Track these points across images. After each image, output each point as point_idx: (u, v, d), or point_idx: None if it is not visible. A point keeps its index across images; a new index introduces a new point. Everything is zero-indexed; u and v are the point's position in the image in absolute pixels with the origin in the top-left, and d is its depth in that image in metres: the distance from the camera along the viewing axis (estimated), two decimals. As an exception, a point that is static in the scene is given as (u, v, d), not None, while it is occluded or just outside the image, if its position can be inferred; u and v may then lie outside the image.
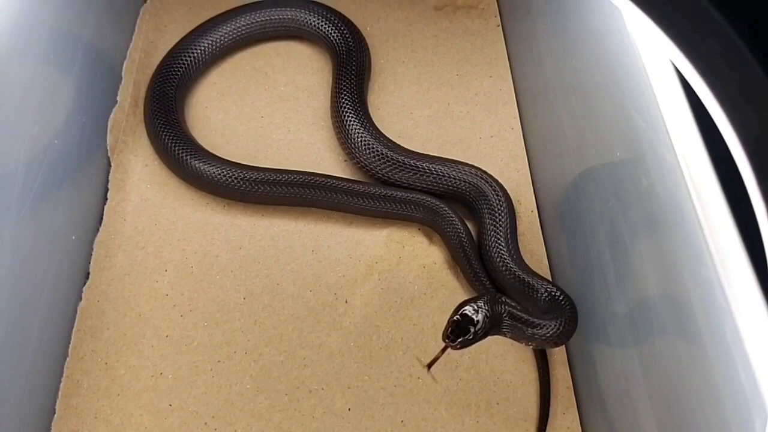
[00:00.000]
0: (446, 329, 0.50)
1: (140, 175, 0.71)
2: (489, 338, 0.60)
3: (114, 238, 0.66)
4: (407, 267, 0.67)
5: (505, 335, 0.53)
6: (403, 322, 0.64)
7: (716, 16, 0.34)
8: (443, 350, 0.50)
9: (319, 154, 0.74)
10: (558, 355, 0.62)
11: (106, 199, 0.69)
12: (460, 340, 0.49)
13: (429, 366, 0.52)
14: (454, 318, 0.50)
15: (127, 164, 0.71)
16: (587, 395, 0.58)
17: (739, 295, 0.37)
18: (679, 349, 0.43)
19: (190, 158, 0.67)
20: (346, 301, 0.65)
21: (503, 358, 0.62)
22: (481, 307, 0.50)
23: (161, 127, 0.69)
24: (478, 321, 0.50)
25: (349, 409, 0.59)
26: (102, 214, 0.67)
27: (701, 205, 0.41)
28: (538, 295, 0.58)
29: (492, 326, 0.51)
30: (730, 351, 0.36)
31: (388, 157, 0.69)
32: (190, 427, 0.57)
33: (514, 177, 0.73)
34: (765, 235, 0.34)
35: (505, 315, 0.52)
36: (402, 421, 0.58)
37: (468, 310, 0.50)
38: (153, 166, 0.72)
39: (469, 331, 0.49)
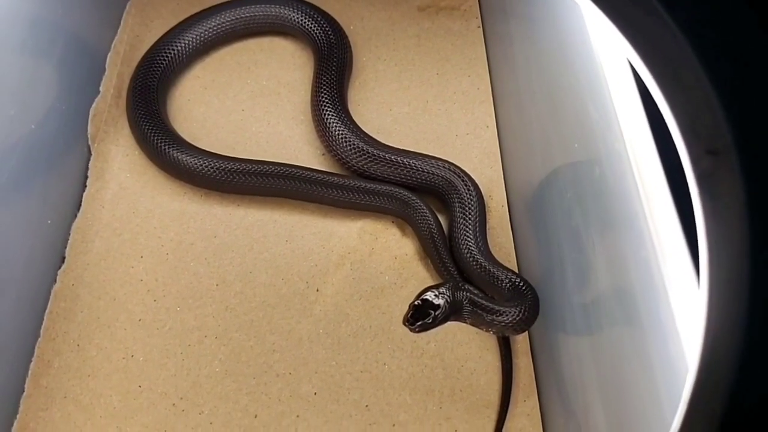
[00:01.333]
0: (407, 313, 0.51)
1: (120, 165, 0.72)
2: (450, 323, 0.61)
3: (91, 224, 0.68)
4: (379, 258, 0.69)
5: (465, 321, 0.54)
6: (373, 310, 0.65)
7: (661, 10, 0.36)
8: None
9: (297, 147, 0.76)
10: (521, 345, 0.63)
11: (85, 186, 0.70)
12: (419, 323, 0.50)
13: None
14: (416, 302, 0.51)
15: (107, 153, 0.73)
16: (547, 383, 0.59)
17: (673, 276, 0.38)
18: (622, 332, 0.44)
19: (169, 148, 0.69)
20: (317, 290, 0.66)
21: (468, 347, 0.63)
22: (442, 293, 0.52)
23: (141, 118, 0.71)
24: (438, 305, 0.51)
25: (315, 393, 0.60)
26: (80, 201, 0.69)
27: (645, 193, 0.42)
28: (502, 284, 0.60)
29: (452, 311, 0.52)
30: (663, 328, 0.37)
31: (364, 150, 0.70)
32: (158, 408, 0.59)
33: (487, 173, 0.75)
34: (698, 217, 0.35)
35: (466, 301, 0.53)
36: (366, 406, 0.60)
37: (429, 295, 0.52)
38: (133, 156, 0.73)
39: (429, 315, 0.51)
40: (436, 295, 0.52)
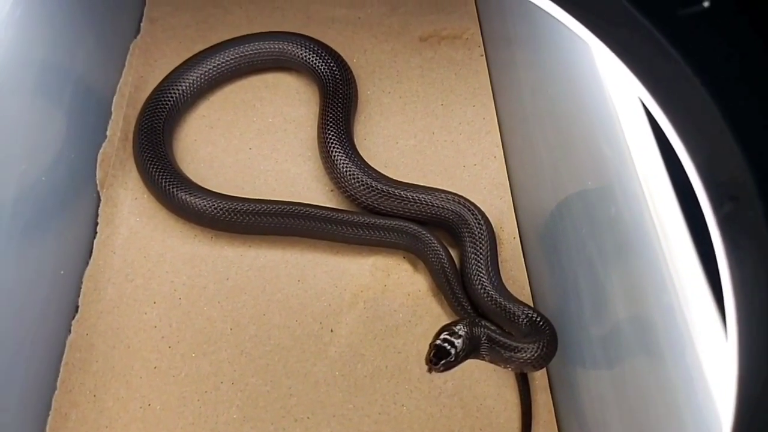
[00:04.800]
0: (428, 353, 0.51)
1: (130, 209, 0.72)
2: (469, 361, 0.61)
3: (103, 272, 0.68)
4: (392, 295, 0.68)
5: (484, 359, 0.54)
6: (388, 350, 0.65)
7: (669, 47, 0.36)
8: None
9: (306, 184, 0.76)
10: (539, 381, 0.62)
11: (95, 232, 0.70)
12: (443, 362, 0.50)
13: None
14: (436, 342, 0.51)
15: (116, 198, 0.73)
16: (568, 420, 0.58)
17: (698, 320, 0.38)
18: (644, 371, 0.44)
19: (177, 190, 0.69)
20: (331, 330, 0.66)
21: (486, 384, 0.62)
22: (460, 330, 0.52)
23: (149, 160, 0.71)
24: (458, 344, 0.51)
25: (334, 438, 0.60)
26: (91, 248, 0.69)
27: (663, 233, 0.42)
28: (518, 319, 0.60)
29: (472, 348, 0.52)
30: (690, 373, 0.37)
31: (372, 186, 0.70)
32: (176, 458, 0.58)
33: (497, 204, 0.75)
34: (720, 258, 0.35)
35: (483, 338, 0.53)
36: (386, 449, 0.59)
37: (448, 333, 0.52)
38: (142, 200, 0.73)
39: (450, 353, 0.50)
40: (455, 333, 0.52)
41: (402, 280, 0.69)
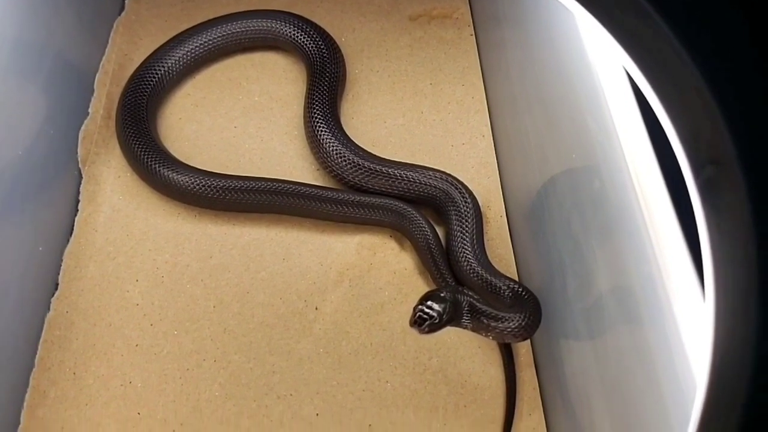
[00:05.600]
0: (412, 317, 0.51)
1: (112, 187, 0.72)
2: (453, 338, 0.61)
3: (84, 249, 0.67)
4: (378, 273, 0.68)
5: (466, 327, 0.54)
6: (373, 327, 0.64)
7: (657, 17, 0.35)
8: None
9: (291, 162, 0.75)
10: (524, 358, 0.62)
11: (77, 210, 0.69)
12: (427, 323, 0.50)
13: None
14: (419, 306, 0.51)
15: (99, 176, 0.72)
16: (552, 396, 0.58)
17: (677, 286, 0.37)
18: (625, 341, 0.43)
19: (161, 167, 0.68)
20: (316, 308, 0.65)
21: (471, 361, 0.62)
22: (444, 295, 0.52)
23: (132, 137, 0.70)
24: (441, 307, 0.51)
25: (317, 415, 0.59)
26: (73, 226, 0.68)
27: (645, 204, 0.42)
28: (503, 293, 0.59)
29: (455, 313, 0.52)
30: (668, 339, 0.37)
31: (358, 164, 0.69)
32: (158, 436, 0.57)
33: (484, 183, 0.74)
34: (701, 228, 0.35)
35: (466, 306, 0.53)
36: (370, 425, 0.59)
37: (432, 297, 0.52)
38: (125, 178, 0.72)
39: (434, 316, 0.50)
40: (439, 297, 0.52)
41: (388, 259, 0.69)
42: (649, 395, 0.40)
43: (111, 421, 0.58)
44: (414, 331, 0.50)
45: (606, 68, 0.49)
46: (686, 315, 0.37)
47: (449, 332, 0.64)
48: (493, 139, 0.78)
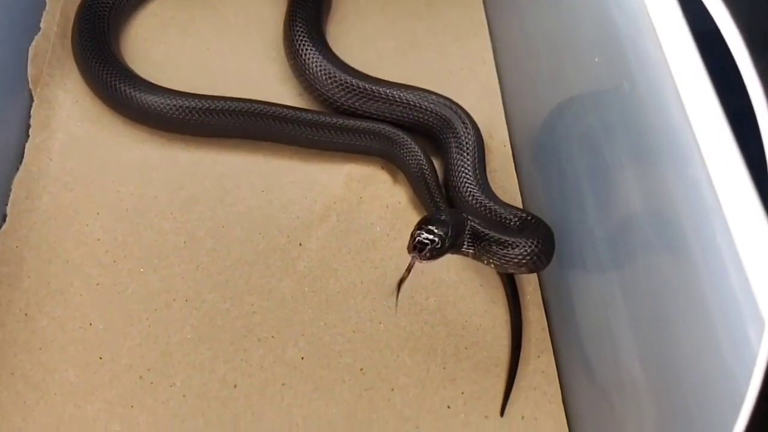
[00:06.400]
0: (410, 243, 0.45)
1: (69, 112, 0.63)
2: (453, 276, 0.55)
3: (37, 179, 0.59)
4: (369, 207, 0.61)
5: (467, 254, 0.48)
6: (364, 264, 0.58)
7: None
8: (409, 269, 0.45)
9: (271, 86, 0.67)
10: (532, 296, 0.56)
11: (27, 136, 0.61)
12: (428, 248, 0.43)
13: (398, 286, 0.47)
14: (417, 230, 0.45)
15: (54, 100, 0.64)
16: (564, 336, 0.53)
17: (730, 191, 0.31)
18: (663, 262, 0.37)
19: (123, 85, 0.60)
20: (300, 244, 0.58)
21: (472, 300, 0.56)
22: (444, 218, 0.46)
23: (90, 54, 0.62)
24: (442, 231, 0.45)
25: (302, 358, 0.53)
26: (23, 153, 0.60)
27: (688, 98, 0.35)
28: (510, 222, 0.53)
29: (457, 237, 0.46)
30: (720, 254, 0.30)
31: (348, 84, 0.62)
32: (122, 382, 0.51)
33: (486, 111, 0.67)
34: (760, 113, 0.28)
35: (467, 229, 0.47)
36: (361, 369, 0.53)
37: (432, 220, 0.45)
38: (85, 103, 0.64)
39: (435, 240, 0.43)
40: (438, 220, 0.45)
41: (380, 192, 0.62)
42: (693, 322, 0.34)
43: (69, 366, 0.51)
44: (413, 259, 0.44)
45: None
46: (740, 221, 0.31)
47: (448, 269, 0.58)
48: (496, 62, 0.71)
